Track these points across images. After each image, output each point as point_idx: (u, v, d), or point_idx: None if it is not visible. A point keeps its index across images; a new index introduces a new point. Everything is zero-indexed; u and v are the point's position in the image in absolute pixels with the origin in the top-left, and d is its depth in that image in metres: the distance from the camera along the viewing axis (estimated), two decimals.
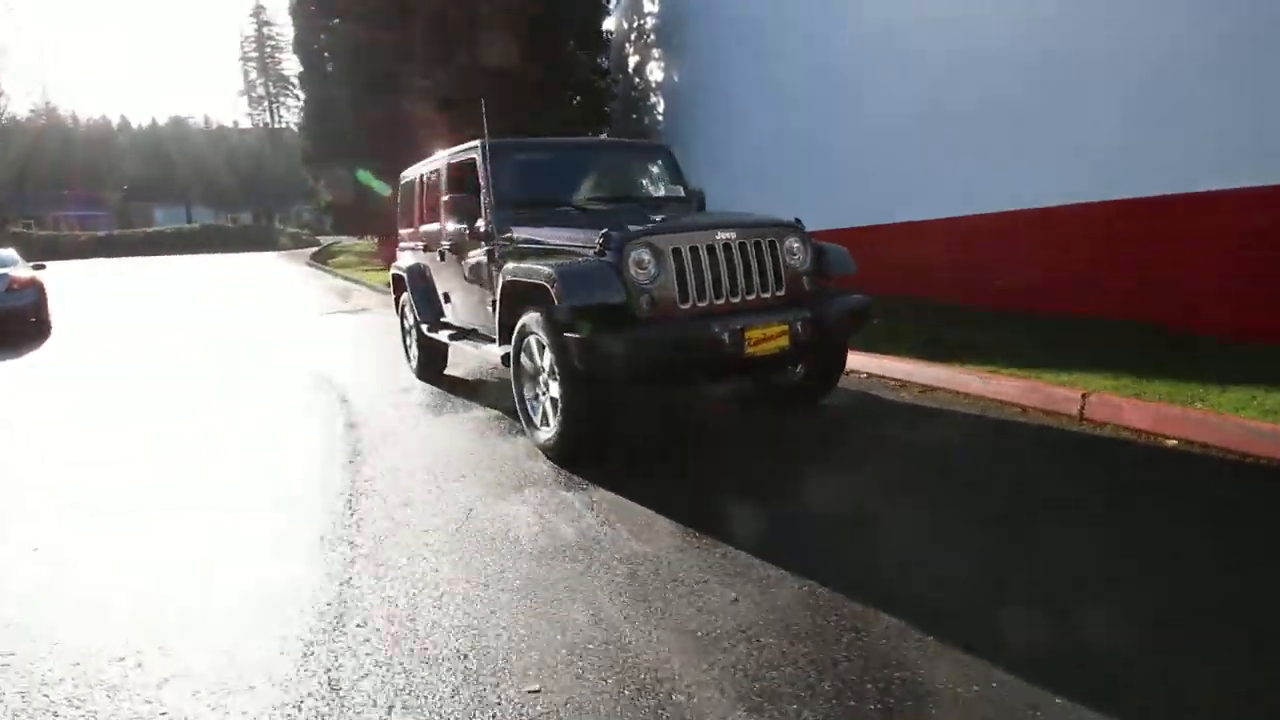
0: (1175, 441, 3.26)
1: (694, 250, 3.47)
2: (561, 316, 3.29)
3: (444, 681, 1.82)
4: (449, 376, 5.87)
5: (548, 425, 3.61)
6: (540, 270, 3.38)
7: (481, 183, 4.39)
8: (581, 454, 3.47)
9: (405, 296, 5.97)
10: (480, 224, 4.33)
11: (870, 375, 5.00)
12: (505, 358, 4.03)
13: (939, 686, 1.69)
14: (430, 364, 5.83)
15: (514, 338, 3.76)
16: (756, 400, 4.62)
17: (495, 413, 4.65)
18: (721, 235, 3.57)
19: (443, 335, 5.16)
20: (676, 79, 13.41)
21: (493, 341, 4.47)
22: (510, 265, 3.77)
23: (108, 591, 2.41)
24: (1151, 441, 3.33)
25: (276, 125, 55.34)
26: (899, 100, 7.79)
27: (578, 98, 13.84)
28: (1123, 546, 2.39)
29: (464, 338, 4.91)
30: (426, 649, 1.97)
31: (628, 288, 3.28)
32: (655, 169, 5.16)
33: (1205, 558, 2.29)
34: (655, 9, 14.10)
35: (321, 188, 17.36)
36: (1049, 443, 3.48)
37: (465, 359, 6.39)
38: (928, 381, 4.60)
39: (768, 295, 3.66)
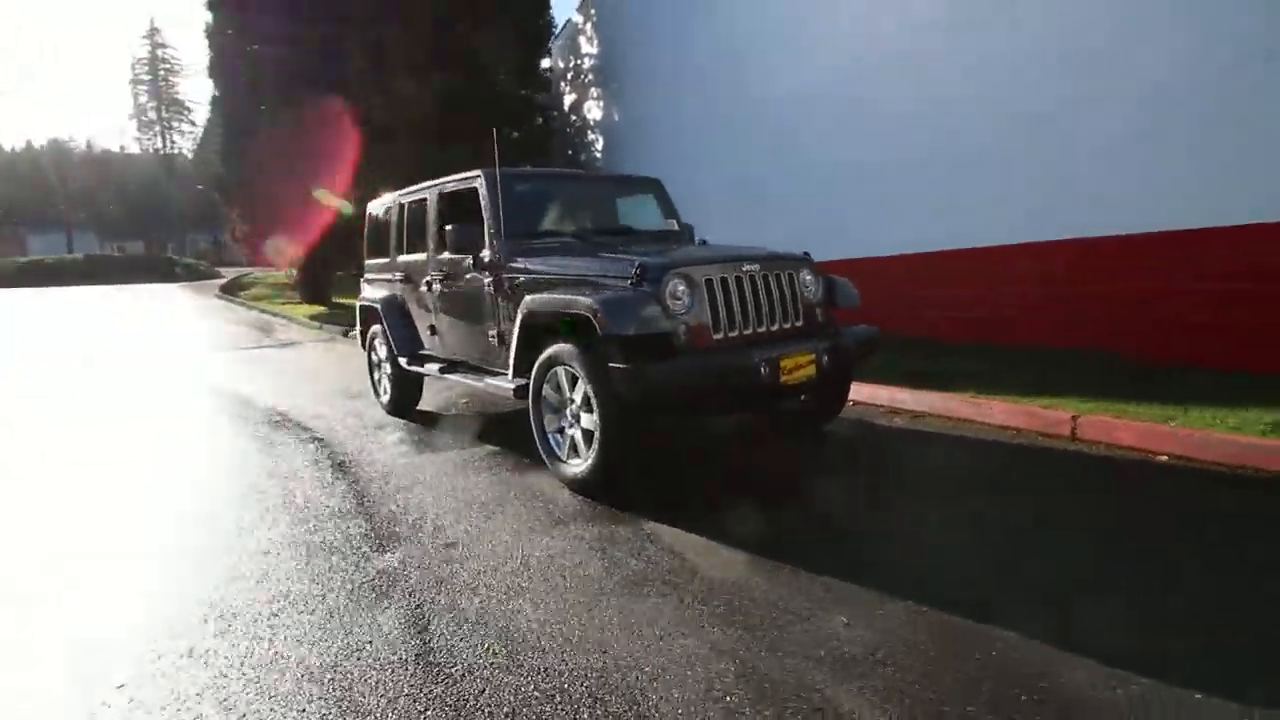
0: (1166, 457, 3.56)
1: (724, 281, 3.53)
2: (605, 347, 3.26)
3: None
4: (420, 411, 5.65)
5: (577, 457, 3.53)
6: (579, 300, 3.34)
7: (485, 213, 4.31)
8: (616, 485, 3.41)
9: (376, 329, 5.74)
10: (485, 254, 4.24)
11: (856, 402, 5.18)
12: (519, 390, 3.93)
13: (1085, 693, 1.76)
14: (405, 399, 5.61)
15: (536, 370, 3.68)
16: (761, 427, 4.70)
17: (490, 447, 4.50)
18: (747, 267, 3.66)
19: (427, 368, 4.98)
20: (616, 117, 13.68)
21: (491, 374, 4.38)
22: (532, 297, 3.70)
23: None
24: (1143, 457, 3.61)
25: (169, 150, 52.21)
26: (840, 146, 8.25)
27: (514, 133, 13.82)
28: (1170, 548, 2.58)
29: (454, 370, 4.76)
30: (554, 695, 1.87)
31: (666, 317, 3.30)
32: (647, 202, 5.22)
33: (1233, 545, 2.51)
34: (594, 50, 14.40)
35: (235, 216, 16.44)
36: (1061, 460, 3.70)
37: (432, 394, 6.19)
38: (917, 408, 4.82)
39: (789, 325, 3.76)
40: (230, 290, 22.88)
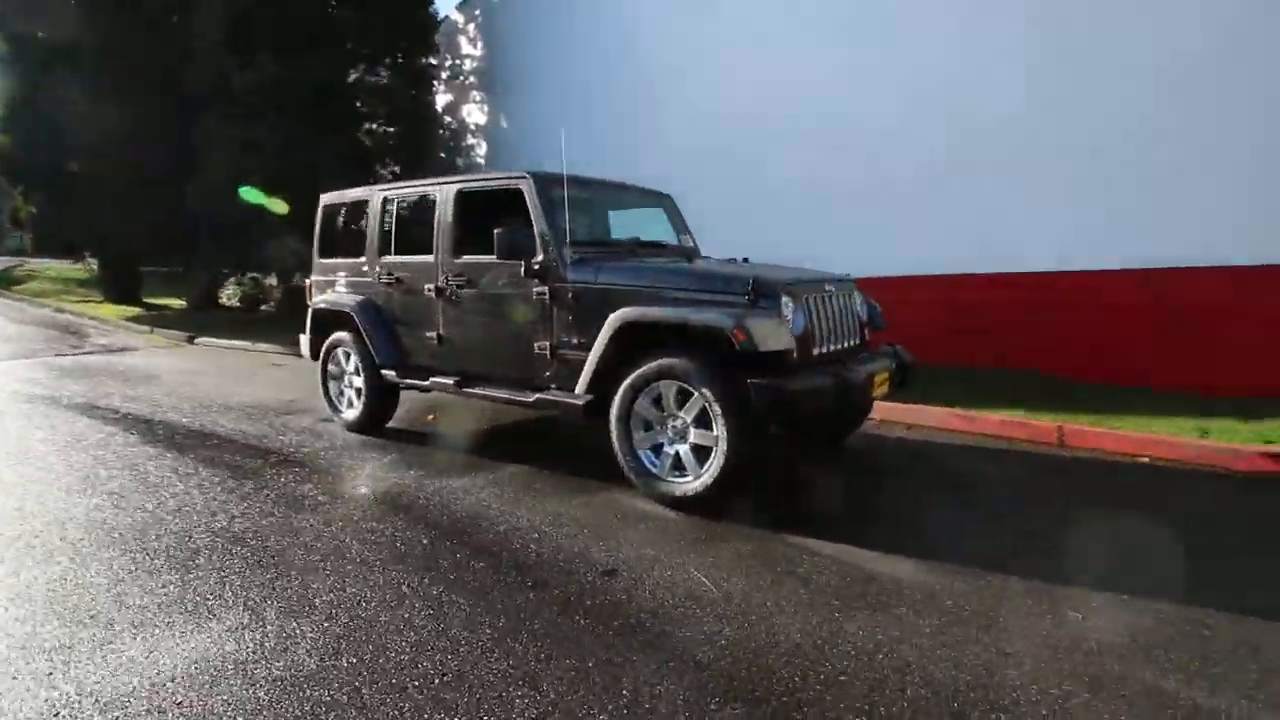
0: (1147, 459, 4.26)
1: (817, 300, 3.66)
2: (743, 362, 3.23)
3: None
4: (390, 429, 5.12)
5: (681, 475, 3.44)
6: (710, 315, 3.28)
7: (536, 217, 4.05)
8: (728, 499, 3.37)
9: (341, 337, 5.12)
10: (539, 261, 3.97)
11: None
12: (589, 406, 3.75)
13: None
14: (377, 415, 5.06)
15: (629, 385, 3.53)
16: (785, 438, 4.84)
17: (526, 466, 4.22)
18: (829, 286, 3.83)
19: (433, 381, 4.54)
20: (505, 124, 13.30)
21: (531, 388, 4.11)
22: (629, 310, 3.54)
23: None
24: (1129, 460, 4.30)
25: None
26: (761, 163, 8.73)
27: (391, 128, 12.88)
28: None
29: (471, 384, 4.39)
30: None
31: None
32: (657, 216, 5.18)
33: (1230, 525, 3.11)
34: (476, 51, 13.91)
35: (18, 195, 13.54)
36: (1083, 467, 4.26)
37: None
38: (908, 419, 5.27)
39: (854, 343, 3.98)
40: (2, 284, 18.64)
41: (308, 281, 5.64)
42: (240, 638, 2.24)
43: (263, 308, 16.08)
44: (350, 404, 5.21)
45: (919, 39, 7.23)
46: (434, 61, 13.21)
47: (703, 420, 3.36)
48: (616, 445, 3.63)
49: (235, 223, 11.24)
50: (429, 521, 3.32)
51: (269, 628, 2.30)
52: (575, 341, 3.89)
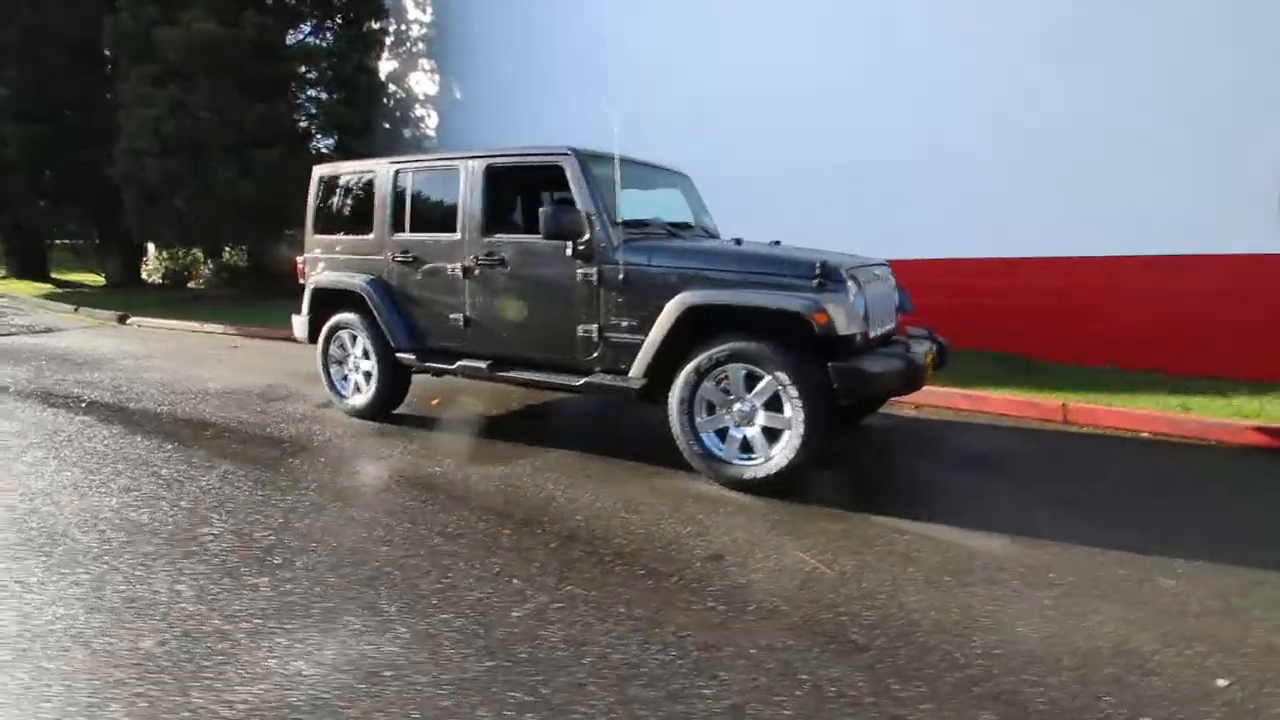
0: (1148, 434, 4.59)
1: (869, 284, 3.72)
2: (812, 345, 3.26)
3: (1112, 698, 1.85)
4: (399, 414, 4.92)
5: (752, 457, 3.45)
6: (787, 298, 3.28)
7: (580, 196, 3.92)
8: (797, 480, 3.41)
9: (347, 318, 4.85)
10: (584, 241, 3.86)
11: None
12: (644, 390, 3.71)
13: None
14: (388, 399, 4.84)
15: (692, 368, 3.50)
16: None
17: (566, 451, 4.14)
18: (877, 270, 3.91)
19: (460, 365, 4.37)
20: (458, 94, 12.81)
21: (574, 371, 4.02)
22: (694, 293, 3.49)
23: None
24: (1131, 435, 4.61)
25: None
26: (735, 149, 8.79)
27: (333, 95, 12.16)
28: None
29: (504, 367, 4.25)
30: (1033, 667, 1.94)
31: None
32: (672, 196, 5.12)
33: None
34: (426, 17, 13.28)
35: None
36: (1098, 443, 4.51)
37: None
38: (915, 399, 5.46)
39: (892, 326, 4.08)
40: None
41: (300, 259, 5.29)
42: (379, 639, 2.11)
43: (190, 284, 15.02)
44: (357, 389, 4.95)
45: (842, 31, 7.41)
46: (381, 26, 12.53)
47: (772, 403, 3.38)
48: (677, 428, 3.60)
49: (161, 191, 10.39)
50: (499, 510, 3.21)
51: (401, 628, 2.18)
52: (625, 324, 3.82)
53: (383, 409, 4.86)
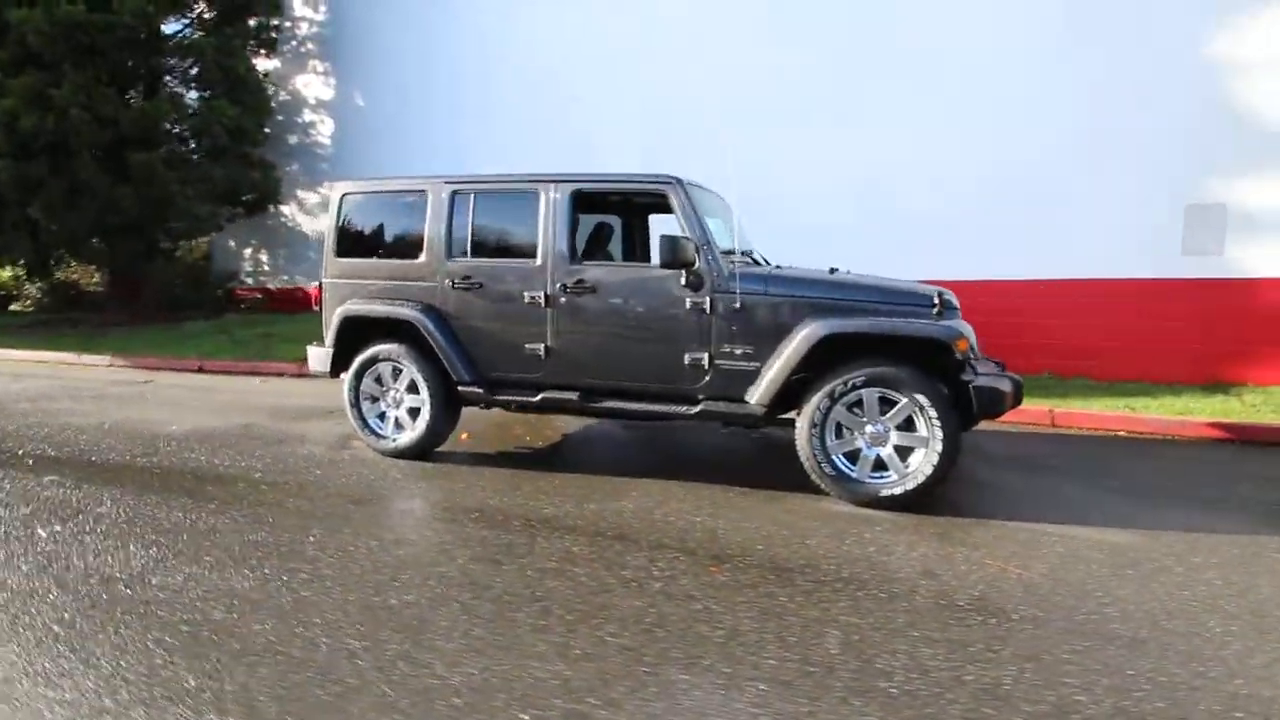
0: (1123, 432, 5.40)
1: None
2: (959, 370, 3.54)
3: None
4: (440, 452, 4.60)
5: (885, 475, 3.65)
6: (929, 326, 3.54)
7: (687, 224, 3.94)
8: (929, 496, 3.66)
9: (389, 349, 4.46)
10: (695, 270, 3.88)
11: None
12: (767, 415, 3.81)
13: None
14: (437, 437, 4.51)
15: (826, 393, 3.64)
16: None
17: (667, 480, 4.11)
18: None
19: (544, 397, 4.19)
20: (360, 101, 12.00)
21: (677, 400, 4.02)
22: (828, 321, 3.64)
23: None
24: (1110, 434, 5.40)
25: None
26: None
27: (209, 91, 10.89)
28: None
29: (595, 399, 4.14)
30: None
31: None
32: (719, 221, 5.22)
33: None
34: (318, 15, 12.32)
35: None
36: (1093, 443, 5.20)
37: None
38: None
39: None
40: None
41: (316, 284, 4.76)
42: (739, 685, 2.04)
43: (13, 306, 12.62)
44: (398, 426, 4.54)
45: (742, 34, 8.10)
46: (276, 22, 11.42)
47: (905, 423, 3.62)
48: (808, 451, 3.73)
49: (10, 197, 8.75)
50: (658, 545, 3.15)
51: (757, 673, 2.12)
52: (739, 352, 3.89)
53: (430, 448, 4.51)
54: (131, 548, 3.05)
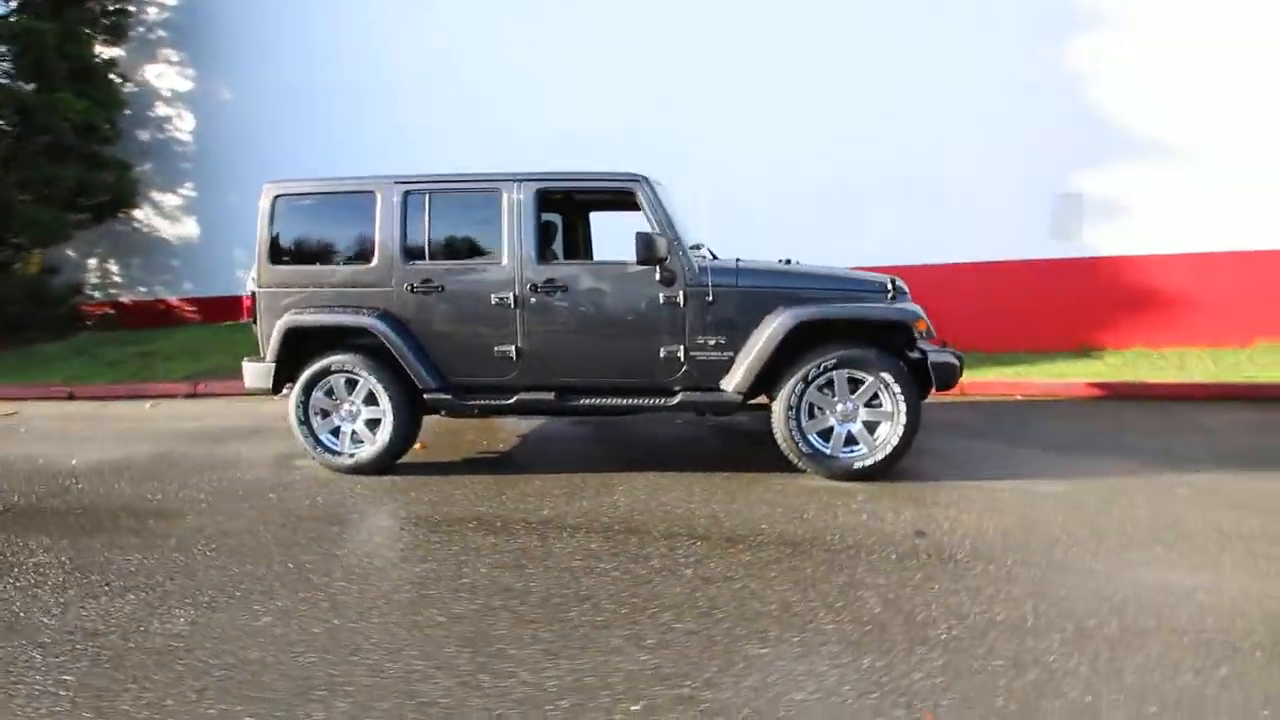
0: (1020, 396, 6.09)
1: None
2: (920, 348, 3.86)
3: None
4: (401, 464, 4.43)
5: (857, 449, 3.93)
6: (896, 309, 3.88)
7: (653, 218, 4.02)
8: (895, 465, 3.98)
9: (340, 360, 4.22)
10: (668, 265, 3.98)
11: None
12: (744, 400, 4.00)
13: None
14: (400, 448, 4.34)
15: (801, 377, 3.86)
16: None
17: (652, 473, 4.19)
18: None
19: (520, 399, 4.13)
20: (228, 95, 11.03)
21: (652, 393, 4.13)
22: (800, 310, 3.85)
23: None
24: (1009, 398, 6.08)
25: None
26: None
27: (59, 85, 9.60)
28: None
29: (571, 396, 4.14)
30: None
31: None
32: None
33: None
34: (172, 0, 11.17)
35: None
36: (1000, 406, 5.81)
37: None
38: None
39: None
40: None
41: (249, 294, 4.40)
42: (823, 652, 2.18)
43: None
44: (356, 441, 4.31)
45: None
46: (117, 5, 10.21)
47: (871, 400, 3.92)
48: (785, 432, 3.94)
49: None
50: (669, 534, 3.25)
51: (842, 654, 2.27)
52: (712, 343, 4.04)
53: (392, 460, 4.32)
54: (102, 597, 2.74)
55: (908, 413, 3.86)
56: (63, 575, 2.94)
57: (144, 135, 11.50)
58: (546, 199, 4.23)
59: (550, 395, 4.14)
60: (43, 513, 3.77)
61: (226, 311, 11.34)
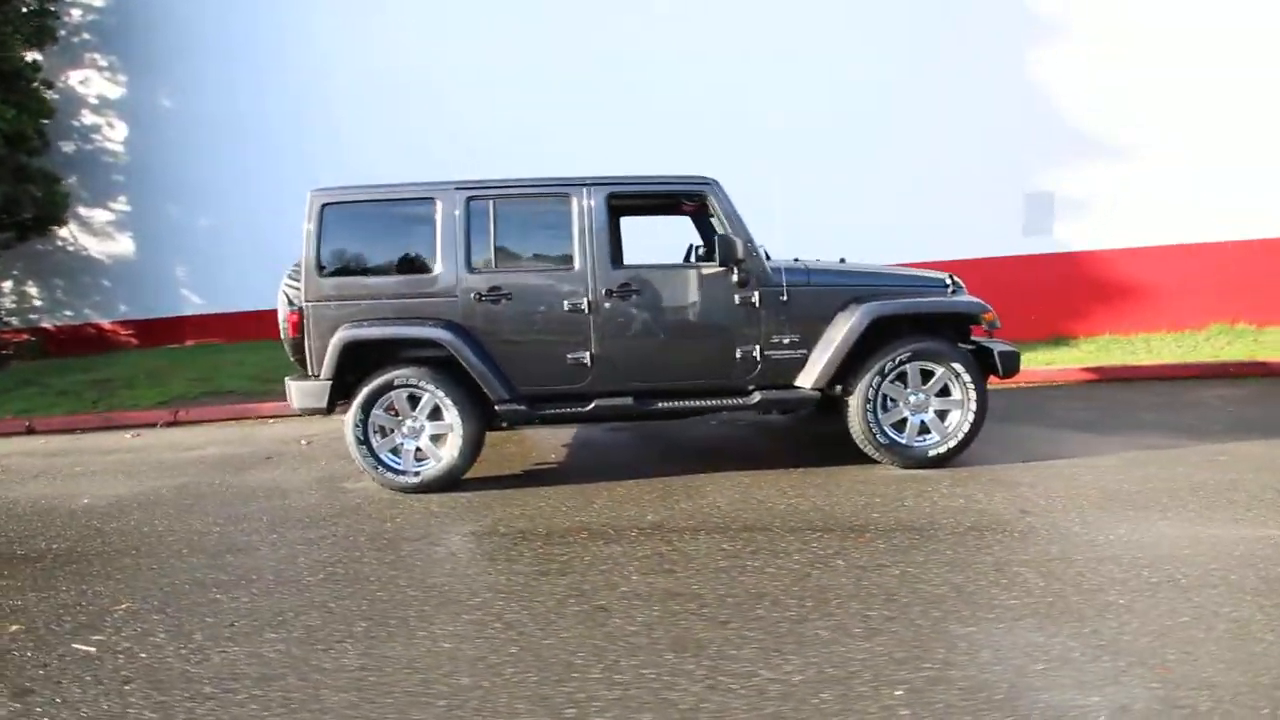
0: (1023, 382, 6.47)
1: None
2: (984, 339, 4.06)
3: None
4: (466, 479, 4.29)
5: (929, 438, 4.09)
6: (963, 302, 4.06)
7: (728, 223, 4.07)
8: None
9: (403, 374, 4.03)
10: (746, 267, 4.04)
11: None
12: (820, 396, 4.10)
13: None
14: (470, 461, 4.19)
15: (878, 370, 3.99)
16: None
17: (710, 474, 4.22)
18: None
19: (597, 406, 4.08)
20: (167, 103, 10.32)
21: (727, 394, 4.17)
22: (878, 304, 3.99)
23: None
24: (1013, 385, 6.45)
25: None
26: None
27: None
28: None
29: (651, 400, 4.12)
30: None
31: None
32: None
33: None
34: (99, 2, 10.36)
35: None
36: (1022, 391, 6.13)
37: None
38: None
39: None
40: None
41: (294, 309, 4.13)
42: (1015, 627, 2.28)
43: None
44: (419, 458, 4.13)
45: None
46: (44, 5, 9.36)
47: (945, 391, 4.10)
48: (863, 425, 4.05)
49: None
50: (794, 529, 3.30)
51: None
52: (787, 341, 4.12)
53: (459, 476, 4.16)
54: (240, 641, 2.51)
55: (977, 400, 4.05)
56: (171, 622, 2.68)
57: (68, 146, 10.60)
58: (617, 203, 4.21)
59: (628, 400, 4.11)
60: (88, 558, 3.41)
61: (169, 334, 10.59)
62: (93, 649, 2.49)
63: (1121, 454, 4.24)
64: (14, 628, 2.69)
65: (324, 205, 4.13)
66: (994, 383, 6.26)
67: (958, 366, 4.03)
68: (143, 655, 2.43)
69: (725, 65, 8.46)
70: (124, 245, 10.81)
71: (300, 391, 4.14)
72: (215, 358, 8.73)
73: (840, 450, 4.30)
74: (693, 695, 2.02)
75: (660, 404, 4.14)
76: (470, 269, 4.07)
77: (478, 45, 9.14)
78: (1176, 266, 7.52)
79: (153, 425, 6.46)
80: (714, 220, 4.14)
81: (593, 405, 4.11)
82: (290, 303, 4.29)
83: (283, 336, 4.36)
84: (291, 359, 4.47)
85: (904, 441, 4.12)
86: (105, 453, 5.58)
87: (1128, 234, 7.68)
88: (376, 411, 4.09)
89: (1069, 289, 7.70)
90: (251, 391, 7.23)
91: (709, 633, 2.39)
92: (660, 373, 4.16)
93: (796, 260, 4.42)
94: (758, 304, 4.08)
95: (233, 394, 7.23)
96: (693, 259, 4.95)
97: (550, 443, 5.21)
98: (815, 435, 5.13)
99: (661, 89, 8.57)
